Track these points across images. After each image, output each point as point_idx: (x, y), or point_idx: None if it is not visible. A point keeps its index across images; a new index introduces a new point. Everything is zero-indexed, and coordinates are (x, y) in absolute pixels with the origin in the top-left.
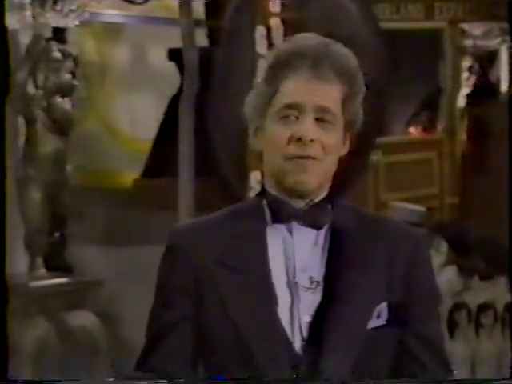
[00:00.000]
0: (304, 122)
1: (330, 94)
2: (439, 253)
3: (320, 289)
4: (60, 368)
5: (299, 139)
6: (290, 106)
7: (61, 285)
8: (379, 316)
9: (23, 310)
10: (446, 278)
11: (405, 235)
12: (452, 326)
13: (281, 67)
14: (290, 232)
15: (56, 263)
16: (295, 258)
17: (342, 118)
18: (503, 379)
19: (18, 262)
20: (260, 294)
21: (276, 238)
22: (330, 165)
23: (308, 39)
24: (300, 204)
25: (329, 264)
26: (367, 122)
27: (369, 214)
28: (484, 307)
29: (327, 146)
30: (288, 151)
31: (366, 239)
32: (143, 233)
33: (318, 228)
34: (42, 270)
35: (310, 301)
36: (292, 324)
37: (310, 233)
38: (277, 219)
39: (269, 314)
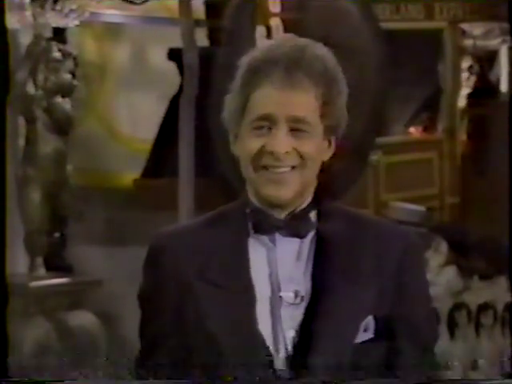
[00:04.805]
0: (276, 135)
1: (304, 103)
2: (439, 253)
3: (304, 303)
4: (60, 368)
5: (271, 153)
6: (262, 118)
7: (61, 285)
8: (366, 329)
9: (23, 310)
10: (446, 278)
11: (393, 237)
12: (452, 326)
13: (253, 75)
14: (273, 242)
15: (56, 263)
16: (278, 269)
17: (320, 124)
18: (503, 379)
19: (18, 261)
20: (242, 310)
21: (259, 249)
22: (310, 173)
23: (282, 45)
24: (281, 214)
25: (314, 276)
26: (367, 123)
27: (356, 217)
28: (484, 307)
29: (305, 154)
30: (260, 163)
31: (352, 246)
32: (143, 233)
33: (301, 237)
34: (42, 270)
35: (295, 315)
36: (275, 339)
37: (294, 243)
38: (258, 230)
39: (251, 329)
